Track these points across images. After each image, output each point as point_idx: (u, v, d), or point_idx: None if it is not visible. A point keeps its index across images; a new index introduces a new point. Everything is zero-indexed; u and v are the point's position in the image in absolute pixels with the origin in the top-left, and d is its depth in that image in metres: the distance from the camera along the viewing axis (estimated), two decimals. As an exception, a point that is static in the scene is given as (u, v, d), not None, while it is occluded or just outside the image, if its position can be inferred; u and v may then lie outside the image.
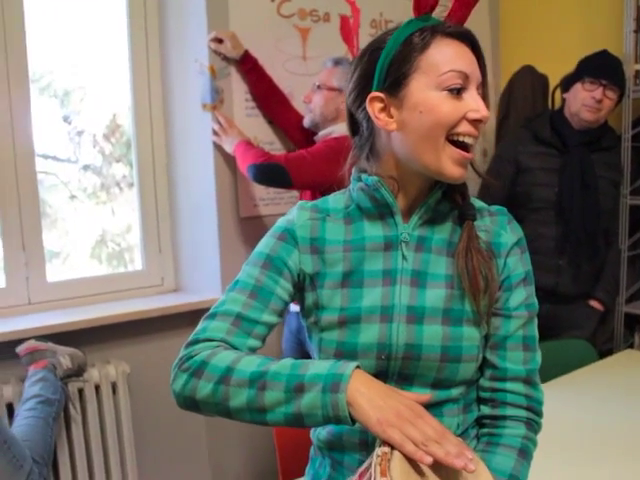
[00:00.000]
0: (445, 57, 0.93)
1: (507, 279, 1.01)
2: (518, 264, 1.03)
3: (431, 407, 0.96)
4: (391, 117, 0.96)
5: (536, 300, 1.05)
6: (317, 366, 0.87)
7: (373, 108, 0.97)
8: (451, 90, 0.93)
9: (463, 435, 1.01)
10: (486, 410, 1.03)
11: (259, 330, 0.99)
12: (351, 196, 1.06)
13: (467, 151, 0.96)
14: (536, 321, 1.05)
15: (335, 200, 1.08)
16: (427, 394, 0.91)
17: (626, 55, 2.44)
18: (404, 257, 1.00)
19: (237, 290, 1.01)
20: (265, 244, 1.05)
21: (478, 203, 1.07)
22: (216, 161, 2.27)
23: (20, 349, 1.91)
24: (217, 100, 2.25)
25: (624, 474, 1.40)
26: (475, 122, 0.94)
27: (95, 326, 2.09)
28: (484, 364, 1.03)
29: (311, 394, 0.84)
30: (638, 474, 1.41)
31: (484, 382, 1.03)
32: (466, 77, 0.94)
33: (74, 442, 2.01)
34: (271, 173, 2.00)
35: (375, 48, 0.98)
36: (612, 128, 2.43)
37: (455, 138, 0.95)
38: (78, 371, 2.00)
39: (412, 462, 0.79)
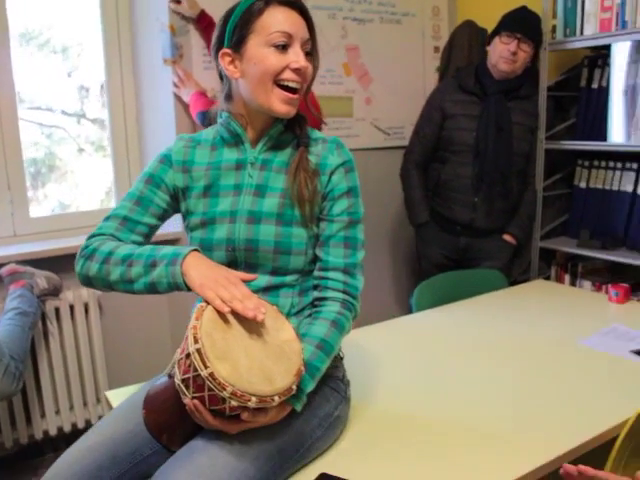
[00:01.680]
0: (274, 21, 1.22)
1: (331, 192, 1.30)
2: (342, 180, 1.31)
3: (271, 289, 1.29)
4: (236, 68, 1.26)
5: (360, 209, 1.34)
6: (167, 249, 1.19)
7: (224, 61, 1.27)
8: (277, 46, 1.22)
9: (299, 313, 1.32)
10: (315, 294, 1.33)
11: (141, 229, 1.31)
12: (218, 129, 1.36)
13: (293, 93, 1.25)
14: (360, 227, 1.34)
15: (207, 132, 1.39)
16: (252, 274, 1.21)
17: (544, 11, 2.65)
18: (250, 175, 1.31)
19: (126, 199, 1.33)
20: (150, 166, 1.36)
21: (316, 134, 1.36)
22: (176, 110, 2.54)
23: (2, 270, 2.24)
24: (177, 55, 2.51)
25: (516, 373, 1.69)
26: (297, 70, 1.23)
27: (71, 254, 2.40)
28: (315, 259, 1.33)
29: (160, 267, 1.15)
30: (525, 374, 1.70)
31: (315, 273, 1.33)
32: (290, 36, 1.23)
33: (52, 353, 2.36)
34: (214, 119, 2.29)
35: (227, 15, 1.27)
36: (532, 78, 2.67)
37: (282, 83, 1.25)
38: (54, 291, 2.30)
39: (222, 316, 1.09)
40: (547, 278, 2.87)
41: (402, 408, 1.44)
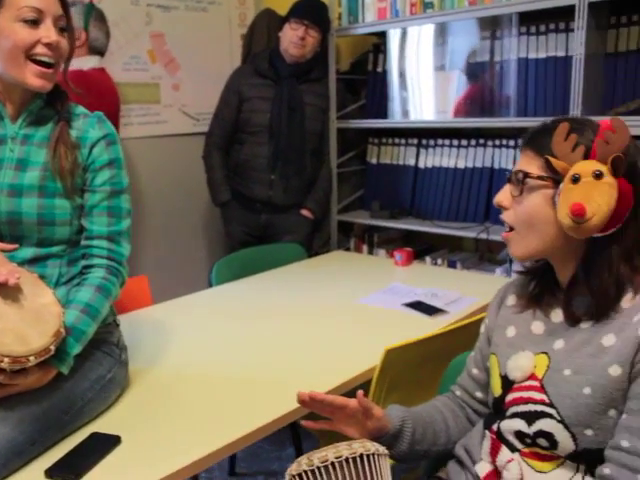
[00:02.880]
0: None
1: (92, 164, 1.34)
2: (103, 152, 1.35)
3: (38, 261, 1.31)
4: None
5: (124, 180, 1.39)
6: None
7: None
8: (26, 21, 1.23)
9: (68, 283, 1.35)
10: (82, 262, 1.36)
11: None
12: None
13: (47, 67, 1.27)
14: (125, 197, 1.39)
15: None
16: (12, 245, 1.22)
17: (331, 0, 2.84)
18: (11, 150, 1.30)
19: None
20: None
21: (79, 110, 1.38)
22: None
23: None
24: None
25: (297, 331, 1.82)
26: (48, 45, 1.25)
27: None
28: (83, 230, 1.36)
29: None
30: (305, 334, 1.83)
31: (82, 242, 1.36)
32: (40, 12, 1.24)
33: None
34: None
35: None
36: (323, 62, 2.85)
37: (35, 58, 1.26)
38: None
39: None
40: (347, 249, 3.09)
41: (186, 372, 1.51)
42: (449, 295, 2.06)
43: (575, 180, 0.97)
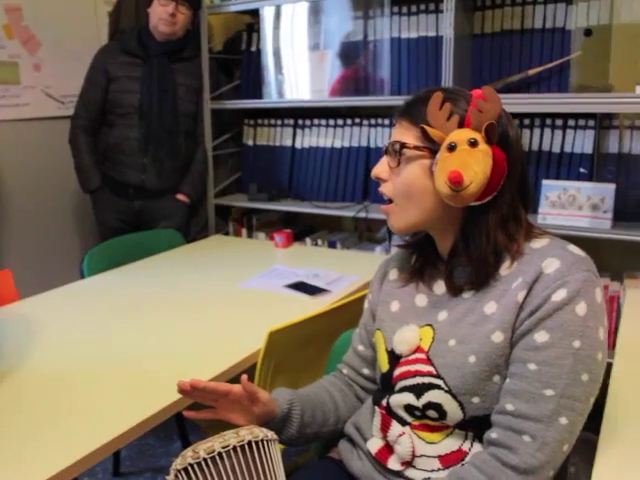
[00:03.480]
0: None
1: None
2: None
3: None
4: None
5: None
6: None
7: None
8: None
9: None
10: None
11: None
12: None
13: None
14: None
15: None
16: None
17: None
18: None
19: None
20: None
21: None
22: None
23: None
24: None
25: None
26: None
27: None
28: None
29: None
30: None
31: None
32: None
33: None
34: None
35: None
36: (195, 41, 2.74)
37: None
38: None
39: None
40: (226, 234, 3.01)
41: (56, 371, 1.40)
42: (330, 275, 2.05)
43: (451, 148, 0.97)
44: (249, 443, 0.91)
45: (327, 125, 2.76)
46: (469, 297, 1.02)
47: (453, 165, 0.95)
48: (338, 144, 2.73)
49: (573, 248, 0.97)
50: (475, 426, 0.98)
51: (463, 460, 0.99)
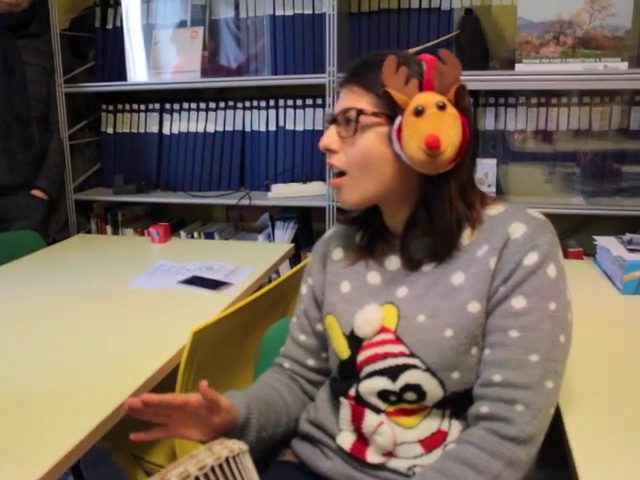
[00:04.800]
0: None
1: None
2: None
3: None
4: None
5: None
6: None
7: None
8: None
9: None
10: None
11: None
12: None
13: None
14: None
15: None
16: None
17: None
18: None
19: None
20: None
21: None
22: None
23: None
24: None
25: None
26: None
27: None
28: None
29: None
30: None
31: None
32: None
33: None
34: None
35: None
36: (43, 15, 2.43)
37: None
38: None
39: None
40: (88, 232, 2.74)
41: None
42: (226, 267, 1.91)
43: (419, 113, 0.89)
44: (227, 460, 0.77)
45: (198, 109, 2.59)
46: (430, 270, 0.96)
47: (428, 129, 0.88)
48: (211, 128, 2.57)
49: (533, 212, 0.95)
50: (454, 403, 0.93)
51: (444, 441, 0.93)
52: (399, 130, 0.91)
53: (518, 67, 2.01)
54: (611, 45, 1.98)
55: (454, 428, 0.94)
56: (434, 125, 0.88)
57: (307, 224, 2.62)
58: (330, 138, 0.98)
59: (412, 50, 2.22)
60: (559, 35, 1.99)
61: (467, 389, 0.92)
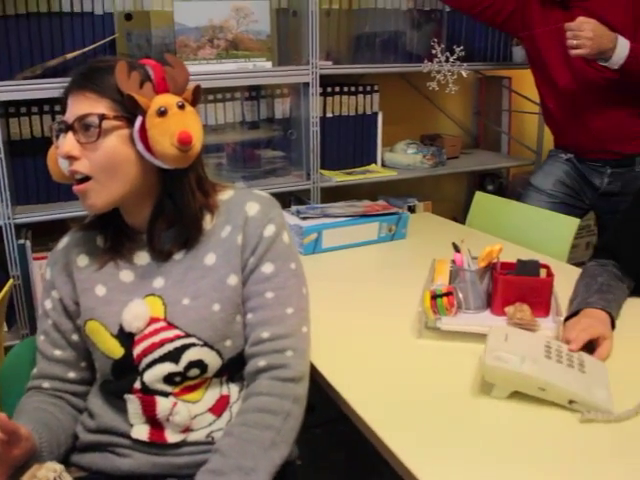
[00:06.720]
0: None
1: None
2: None
3: None
4: None
5: None
6: None
7: None
8: None
9: None
10: None
11: None
12: None
13: None
14: None
15: None
16: None
17: None
18: None
19: None
20: None
21: None
22: None
23: None
24: None
25: None
26: None
27: None
28: None
29: None
30: None
31: None
32: None
33: None
34: None
35: None
36: None
37: None
38: None
39: None
40: None
41: None
42: None
43: (162, 113, 0.97)
44: (55, 480, 0.75)
45: None
46: (182, 257, 1.06)
47: (177, 127, 0.96)
48: None
49: (259, 192, 1.12)
50: (229, 369, 1.05)
51: (229, 404, 1.05)
52: (141, 131, 0.97)
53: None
54: (257, 47, 2.25)
55: (233, 390, 1.06)
56: (181, 123, 0.97)
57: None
58: (70, 145, 0.98)
59: (69, 55, 2.19)
60: (213, 39, 2.19)
61: (239, 353, 1.05)
